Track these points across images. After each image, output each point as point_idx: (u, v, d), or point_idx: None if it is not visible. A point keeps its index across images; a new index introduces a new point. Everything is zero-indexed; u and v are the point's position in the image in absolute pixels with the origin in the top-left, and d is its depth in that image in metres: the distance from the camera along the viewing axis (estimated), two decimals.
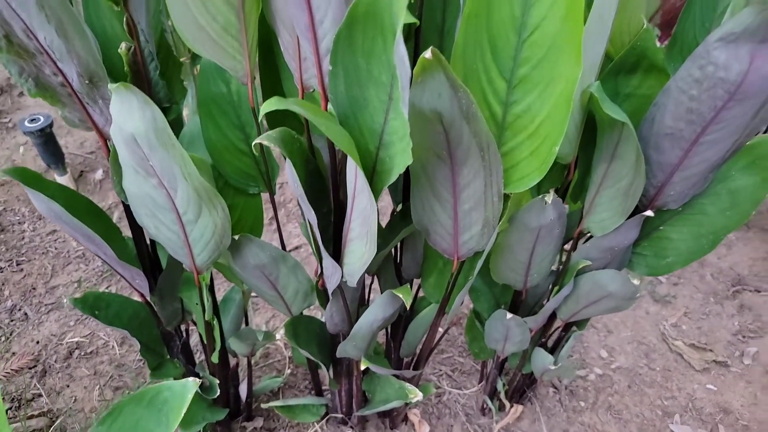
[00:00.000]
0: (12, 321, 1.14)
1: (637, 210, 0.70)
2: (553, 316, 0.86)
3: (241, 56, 0.53)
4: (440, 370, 1.11)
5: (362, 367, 0.70)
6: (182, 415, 0.45)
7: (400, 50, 0.39)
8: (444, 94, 0.45)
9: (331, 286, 0.63)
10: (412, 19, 0.50)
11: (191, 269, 0.63)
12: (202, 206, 0.56)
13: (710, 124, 0.60)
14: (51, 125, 1.32)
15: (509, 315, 0.78)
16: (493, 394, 1.01)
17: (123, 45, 0.60)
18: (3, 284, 1.21)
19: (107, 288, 1.21)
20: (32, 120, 1.30)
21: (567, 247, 0.78)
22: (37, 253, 1.28)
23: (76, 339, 1.10)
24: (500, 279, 0.78)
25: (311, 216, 0.56)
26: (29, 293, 1.19)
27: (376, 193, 0.49)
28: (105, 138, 0.57)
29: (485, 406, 1.02)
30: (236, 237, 0.63)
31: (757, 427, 1.03)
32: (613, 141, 0.62)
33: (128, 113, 0.48)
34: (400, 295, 0.62)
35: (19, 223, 1.36)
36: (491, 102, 0.52)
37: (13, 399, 1.00)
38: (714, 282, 1.32)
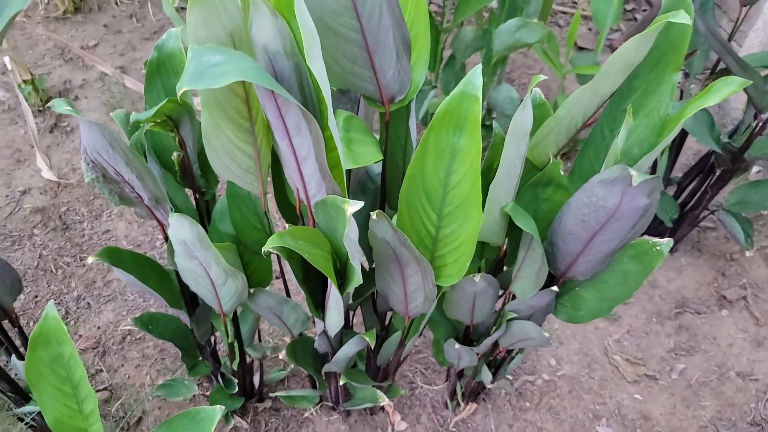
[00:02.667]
0: (78, 308, 1.43)
1: (553, 279, 0.93)
2: (496, 343, 1.10)
3: (257, 183, 0.76)
4: (415, 368, 1.37)
5: (341, 382, 0.96)
6: (213, 426, 0.71)
7: (351, 236, 0.62)
8: (388, 232, 0.69)
9: (318, 330, 0.88)
10: (380, 157, 0.73)
11: (220, 312, 0.89)
12: (227, 277, 0.81)
13: (599, 231, 0.82)
14: None
15: (457, 345, 1.02)
16: (453, 394, 1.27)
17: (174, 154, 0.84)
18: (70, 277, 1.49)
19: None
20: None
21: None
22: (95, 250, 1.56)
23: (128, 327, 1.39)
24: (452, 317, 1.02)
25: (303, 289, 0.80)
26: (91, 285, 1.48)
27: (343, 291, 0.73)
28: (163, 226, 0.82)
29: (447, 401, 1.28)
30: (251, 290, 0.88)
31: None
32: (528, 239, 0.85)
33: (182, 228, 0.72)
34: (367, 339, 0.88)
35: (80, 222, 1.64)
36: (427, 225, 0.75)
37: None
38: (661, 303, 1.53)
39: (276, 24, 0.57)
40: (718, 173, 1.40)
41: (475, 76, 0.62)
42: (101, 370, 1.31)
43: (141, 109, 2.00)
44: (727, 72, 1.34)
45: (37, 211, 1.66)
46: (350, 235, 0.62)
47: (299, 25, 0.54)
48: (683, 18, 0.61)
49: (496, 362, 1.19)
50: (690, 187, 1.54)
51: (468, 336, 1.11)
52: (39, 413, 1.04)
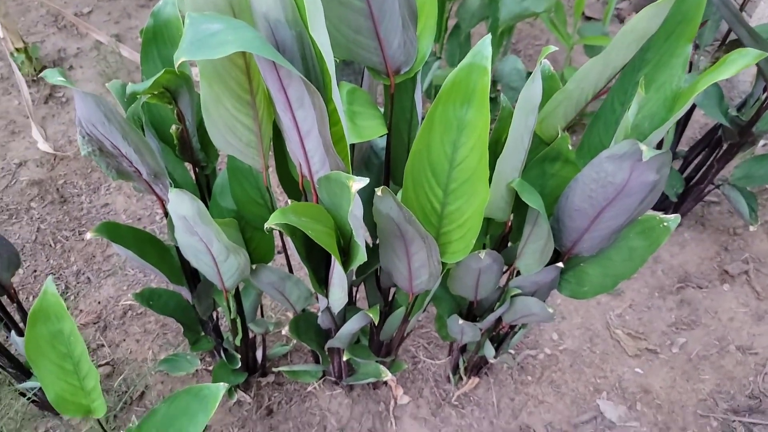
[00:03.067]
0: (78, 283, 1.42)
1: (558, 255, 0.92)
2: (500, 318, 1.10)
3: (258, 158, 0.74)
4: (418, 342, 1.37)
5: (345, 358, 0.96)
6: (217, 403, 0.71)
7: (355, 213, 0.61)
8: (393, 208, 0.67)
9: (321, 307, 0.87)
10: (384, 131, 0.71)
11: (221, 288, 0.87)
12: (229, 254, 0.80)
13: (606, 207, 0.81)
14: None
15: (460, 321, 1.01)
16: (456, 368, 1.27)
17: (173, 127, 0.82)
18: (69, 251, 1.48)
19: None
20: None
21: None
22: (94, 224, 1.55)
23: (129, 302, 1.38)
24: (456, 293, 1.01)
25: (306, 265, 0.79)
26: (90, 260, 1.47)
27: (346, 268, 0.72)
28: (162, 201, 0.81)
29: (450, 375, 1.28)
30: (254, 266, 0.87)
31: (668, 406, 1.28)
32: (534, 215, 0.83)
33: (181, 204, 0.71)
34: (371, 315, 0.87)
35: (77, 195, 1.62)
36: (433, 202, 0.73)
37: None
38: (663, 277, 1.53)
39: None
40: (725, 147, 1.38)
41: (484, 46, 0.60)
42: (102, 345, 1.31)
43: (137, 80, 1.96)
44: (738, 43, 1.30)
45: (34, 183, 1.64)
46: (355, 212, 0.61)
47: None
48: None
49: (499, 337, 1.18)
50: (696, 161, 1.52)
51: (471, 311, 1.11)
52: (40, 389, 1.04)
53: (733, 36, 1.34)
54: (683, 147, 1.66)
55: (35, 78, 1.93)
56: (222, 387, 0.70)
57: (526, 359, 1.35)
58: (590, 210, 0.82)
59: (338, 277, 0.75)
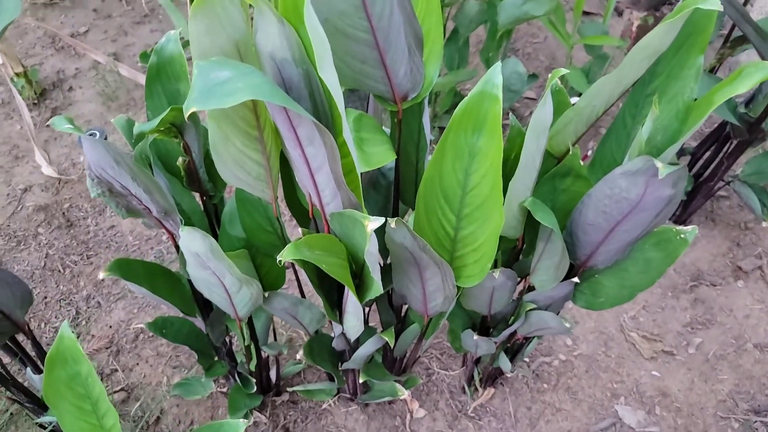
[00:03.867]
0: (89, 308, 1.42)
1: (572, 267, 0.91)
2: (514, 331, 1.09)
3: (267, 190, 0.74)
4: (431, 354, 1.37)
5: (361, 380, 0.95)
6: None
7: (371, 250, 0.60)
8: (407, 237, 0.67)
9: (336, 332, 0.87)
10: (393, 156, 0.70)
11: (234, 318, 0.87)
12: (242, 285, 0.79)
13: (621, 221, 0.80)
14: (106, 138, 1.53)
15: (476, 336, 1.01)
16: (470, 379, 1.26)
17: (180, 159, 0.81)
18: (78, 276, 1.48)
19: None
20: (90, 134, 1.52)
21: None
22: (101, 247, 1.54)
23: (140, 325, 1.38)
24: (469, 308, 1.00)
25: (320, 294, 0.79)
26: (100, 284, 1.46)
27: (362, 299, 0.71)
28: (173, 235, 0.80)
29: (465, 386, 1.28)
30: (266, 294, 0.86)
31: (687, 408, 1.27)
32: (547, 232, 0.82)
33: (193, 241, 0.70)
34: (386, 338, 0.86)
35: (84, 218, 1.62)
36: (446, 226, 0.73)
37: (96, 373, 1.29)
38: (675, 276, 1.52)
39: (283, 32, 0.54)
40: (734, 143, 1.37)
41: (494, 74, 0.59)
42: (116, 370, 1.31)
43: (137, 98, 1.95)
44: (743, 40, 1.29)
45: (40, 209, 1.64)
46: (371, 249, 0.60)
47: (309, 34, 0.51)
48: (714, 4, 0.58)
49: (513, 348, 1.18)
50: (704, 157, 1.51)
51: (485, 324, 1.10)
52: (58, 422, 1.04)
53: (737, 32, 1.33)
54: (691, 143, 1.65)
55: (36, 101, 1.93)
56: (242, 424, 0.69)
57: (541, 366, 1.34)
58: (604, 224, 0.81)
59: (353, 306, 0.75)
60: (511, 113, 0.97)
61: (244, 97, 0.47)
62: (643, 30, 1.18)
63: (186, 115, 0.47)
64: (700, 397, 1.29)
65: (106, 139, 1.54)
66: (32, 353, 0.99)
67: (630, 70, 0.68)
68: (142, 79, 1.93)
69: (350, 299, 0.73)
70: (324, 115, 0.62)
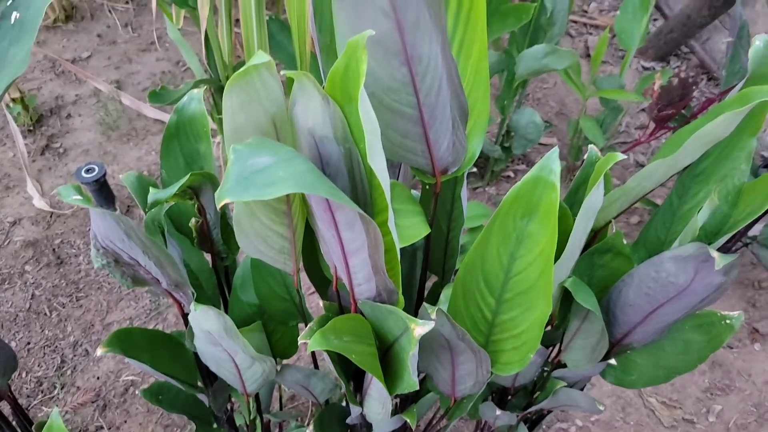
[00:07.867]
0: (75, 356, 1.33)
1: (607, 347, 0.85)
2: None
3: (290, 263, 0.67)
4: None
5: None
6: None
7: (415, 352, 0.54)
8: (446, 326, 0.61)
9: (354, 413, 0.80)
10: (427, 230, 0.65)
11: (242, 393, 0.80)
12: (254, 362, 0.73)
13: (664, 304, 0.74)
14: (105, 174, 1.46)
15: (498, 411, 0.94)
16: None
17: (193, 220, 0.75)
18: (66, 320, 1.40)
19: (155, 326, 1.40)
20: (88, 170, 1.45)
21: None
22: (93, 288, 1.46)
23: (131, 377, 1.29)
24: (492, 381, 0.94)
25: (341, 377, 0.72)
26: (88, 329, 1.38)
27: (392, 391, 0.65)
28: (180, 305, 0.73)
29: None
30: (278, 368, 0.80)
31: None
32: (584, 311, 0.77)
33: (207, 320, 0.63)
34: (407, 419, 0.79)
35: (75, 255, 1.54)
36: (483, 310, 0.67)
37: (79, 431, 1.20)
38: None
39: (327, 109, 0.48)
40: None
41: (551, 160, 0.54)
42: (102, 428, 1.22)
43: (139, 128, 1.89)
44: None
45: (29, 244, 1.56)
46: (415, 352, 0.54)
47: (362, 120, 0.45)
48: None
49: (533, 417, 1.11)
50: None
51: (506, 392, 1.03)
52: None
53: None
54: None
55: (31, 128, 1.86)
56: None
57: None
58: (646, 306, 0.76)
59: (378, 392, 0.68)
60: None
61: (285, 189, 0.41)
62: (667, 91, 1.15)
63: (218, 206, 0.41)
64: None
65: (105, 174, 1.47)
66: (14, 421, 0.90)
67: (686, 156, 0.64)
68: (145, 108, 1.87)
69: (377, 388, 0.66)
70: (362, 194, 0.56)
